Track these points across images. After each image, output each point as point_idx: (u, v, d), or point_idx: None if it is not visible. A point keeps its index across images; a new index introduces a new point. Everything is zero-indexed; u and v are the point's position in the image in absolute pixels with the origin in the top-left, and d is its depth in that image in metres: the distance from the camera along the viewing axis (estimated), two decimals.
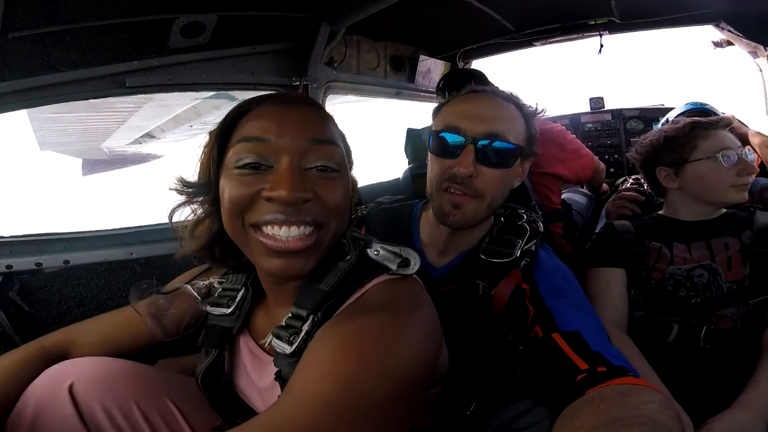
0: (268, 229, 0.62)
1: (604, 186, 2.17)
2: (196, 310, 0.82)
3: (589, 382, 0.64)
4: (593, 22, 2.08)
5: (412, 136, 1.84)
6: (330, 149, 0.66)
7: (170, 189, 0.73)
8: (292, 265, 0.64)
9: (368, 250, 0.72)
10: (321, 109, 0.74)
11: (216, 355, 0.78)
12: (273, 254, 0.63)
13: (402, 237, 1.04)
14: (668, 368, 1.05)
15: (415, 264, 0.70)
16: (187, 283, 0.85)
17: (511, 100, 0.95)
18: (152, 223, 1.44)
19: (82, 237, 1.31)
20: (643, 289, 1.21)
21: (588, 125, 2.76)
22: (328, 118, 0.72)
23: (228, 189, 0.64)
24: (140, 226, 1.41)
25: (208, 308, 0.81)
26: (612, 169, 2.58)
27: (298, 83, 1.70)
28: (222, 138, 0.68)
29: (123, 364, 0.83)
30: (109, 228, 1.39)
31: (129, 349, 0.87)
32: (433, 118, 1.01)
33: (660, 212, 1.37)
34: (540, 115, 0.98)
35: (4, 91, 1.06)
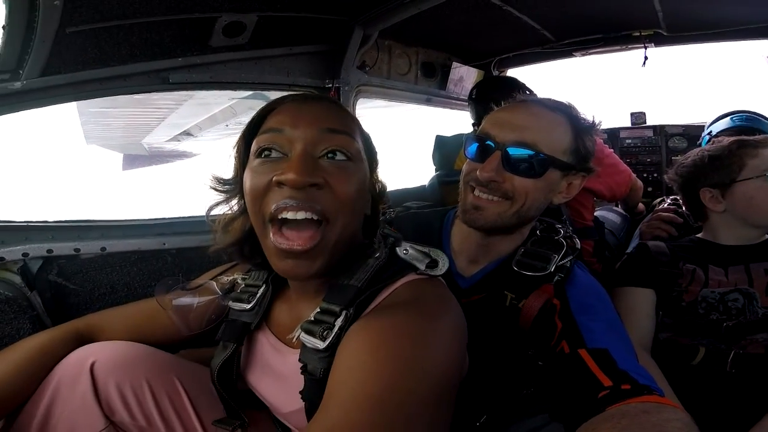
0: (280, 222, 0.64)
1: (641, 206, 2.09)
2: (218, 305, 0.85)
3: (612, 398, 0.62)
4: (638, 34, 2.00)
5: (441, 143, 1.83)
6: (344, 138, 0.68)
7: (210, 188, 0.77)
8: (299, 267, 0.66)
9: (397, 248, 0.74)
10: (338, 105, 0.77)
11: (233, 349, 0.81)
12: (284, 255, 0.65)
13: (433, 243, 1.04)
14: (691, 391, 1.03)
15: (443, 265, 0.71)
16: (212, 279, 0.88)
17: (562, 110, 0.93)
18: (184, 215, 1.48)
19: (118, 225, 1.35)
20: (672, 311, 1.19)
21: (627, 141, 2.67)
22: (344, 113, 0.74)
23: (248, 180, 0.67)
24: (173, 218, 1.45)
25: (230, 303, 0.83)
26: (650, 189, 2.48)
27: (330, 85, 1.74)
28: (248, 136, 0.72)
29: (142, 349, 0.88)
30: (144, 218, 1.43)
31: (151, 340, 0.91)
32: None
33: (698, 235, 1.33)
34: (597, 128, 0.96)
35: (59, 83, 1.12)
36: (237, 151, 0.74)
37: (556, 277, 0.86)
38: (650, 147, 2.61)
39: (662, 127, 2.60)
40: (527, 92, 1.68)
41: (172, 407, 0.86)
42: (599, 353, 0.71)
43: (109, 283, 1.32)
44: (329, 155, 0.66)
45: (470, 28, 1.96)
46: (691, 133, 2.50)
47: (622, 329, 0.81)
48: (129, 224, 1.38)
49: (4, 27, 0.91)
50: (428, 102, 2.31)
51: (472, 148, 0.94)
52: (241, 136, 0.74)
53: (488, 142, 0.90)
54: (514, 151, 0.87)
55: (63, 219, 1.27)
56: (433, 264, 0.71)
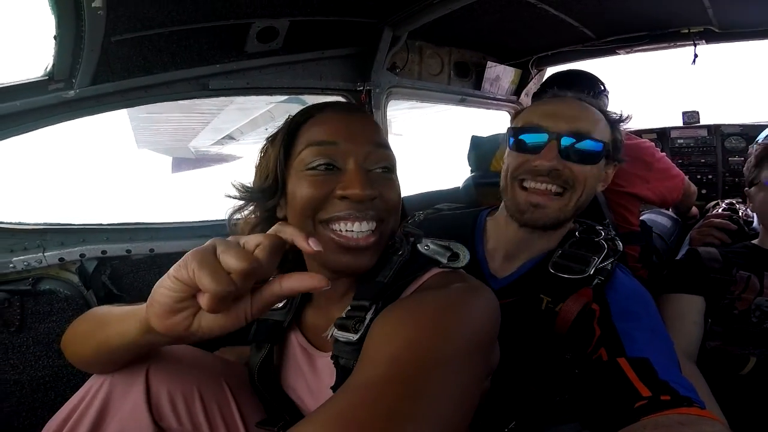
0: (339, 226, 0.67)
1: (694, 209, 1.95)
2: None
3: (649, 409, 0.59)
4: (686, 31, 1.88)
5: (476, 144, 1.78)
6: (388, 153, 0.72)
7: (227, 196, 0.78)
8: (359, 260, 0.68)
9: (418, 245, 0.74)
10: (372, 118, 0.81)
11: (269, 349, 0.82)
12: (344, 251, 0.67)
13: (464, 244, 1.03)
14: (739, 402, 0.98)
15: (464, 257, 0.72)
16: None
17: (594, 105, 0.95)
18: (226, 217, 1.53)
19: (166, 227, 1.42)
20: (722, 319, 1.13)
21: (679, 141, 2.53)
22: (378, 126, 0.77)
23: (300, 189, 0.68)
24: (214, 220, 1.51)
25: None
26: (704, 191, 2.35)
27: (361, 88, 1.75)
28: (287, 142, 0.73)
29: (191, 352, 0.89)
30: (188, 220, 1.50)
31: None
32: (512, 120, 1.02)
33: (754, 241, 1.26)
34: (626, 122, 0.96)
35: (108, 91, 1.20)
36: (273, 158, 0.74)
37: (596, 281, 0.83)
38: (704, 147, 2.47)
39: (718, 126, 2.45)
40: (602, 88, 1.63)
41: (220, 413, 0.87)
42: (639, 362, 0.68)
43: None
44: (380, 170, 0.70)
45: (505, 26, 1.91)
46: (750, 133, 2.34)
47: (666, 337, 0.77)
48: (175, 226, 1.45)
49: (55, 37, 0.98)
50: (462, 102, 2.27)
51: (525, 139, 0.92)
52: (278, 142, 0.74)
53: (541, 133, 0.89)
54: (571, 140, 0.88)
55: (116, 222, 1.35)
56: (454, 257, 0.72)
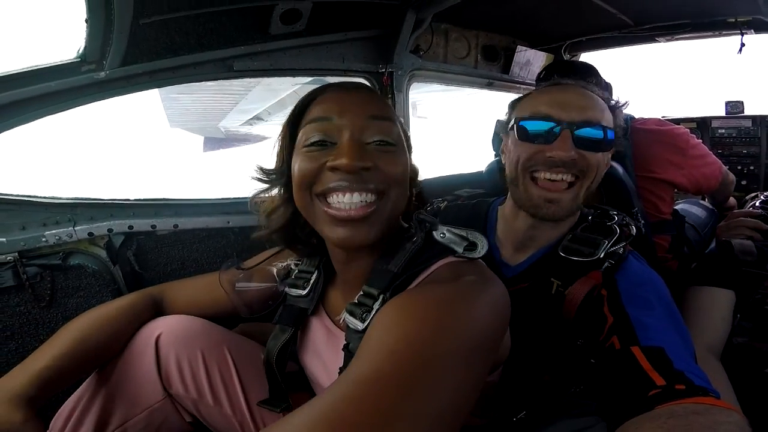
0: (332, 198, 0.67)
1: (732, 200, 1.86)
2: (276, 290, 0.90)
3: (662, 398, 0.58)
4: (733, 20, 1.76)
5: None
6: (387, 125, 0.71)
7: (252, 178, 0.80)
8: (356, 234, 0.67)
9: (434, 232, 0.74)
10: (377, 93, 0.80)
11: (292, 333, 0.85)
12: (337, 223, 0.67)
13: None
14: (762, 399, 0.94)
15: (482, 247, 0.70)
16: (265, 262, 0.92)
17: (596, 93, 0.94)
18: (248, 195, 1.57)
19: (189, 204, 1.46)
20: (753, 315, 1.08)
21: (720, 131, 2.44)
22: (384, 101, 0.77)
23: (297, 164, 0.70)
24: (237, 198, 1.54)
25: (287, 289, 0.88)
26: (744, 182, 2.28)
27: (384, 70, 1.72)
28: (292, 125, 0.74)
29: (200, 323, 0.95)
30: (211, 197, 1.53)
31: (209, 313, 0.98)
32: (512, 108, 0.99)
33: None
34: (623, 107, 0.95)
35: (137, 72, 1.23)
36: (282, 140, 0.76)
37: (606, 264, 0.83)
38: (747, 138, 2.39)
39: (764, 117, 2.35)
40: (601, 81, 1.56)
41: (221, 380, 0.93)
42: (654, 351, 0.67)
43: (180, 259, 1.43)
44: (376, 143, 0.69)
45: (536, 11, 1.84)
46: None
47: (681, 326, 0.75)
48: (198, 203, 1.48)
49: (86, 21, 1.01)
50: (489, 86, 2.21)
51: (536, 129, 0.90)
52: (285, 125, 0.76)
53: (552, 122, 0.88)
54: (585, 129, 0.87)
55: (142, 198, 1.39)
56: (471, 247, 0.71)
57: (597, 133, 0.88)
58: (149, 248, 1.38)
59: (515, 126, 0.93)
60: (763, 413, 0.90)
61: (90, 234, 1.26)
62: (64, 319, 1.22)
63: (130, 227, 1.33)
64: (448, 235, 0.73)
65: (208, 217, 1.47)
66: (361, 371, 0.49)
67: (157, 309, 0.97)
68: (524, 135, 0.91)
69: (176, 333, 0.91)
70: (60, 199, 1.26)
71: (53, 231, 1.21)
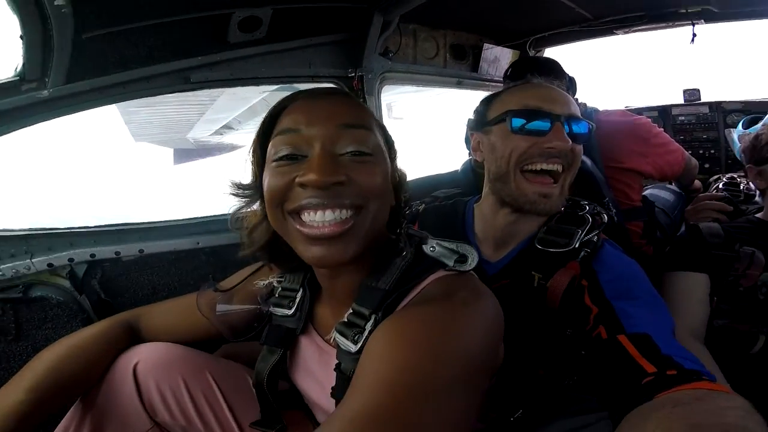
0: (305, 216, 0.63)
1: (697, 183, 1.95)
2: (260, 311, 0.86)
3: (658, 385, 0.59)
4: (684, 11, 1.84)
5: None
6: (361, 133, 0.66)
7: (228, 194, 0.75)
8: (331, 252, 0.63)
9: (424, 246, 0.71)
10: (351, 97, 0.76)
11: (281, 354, 0.81)
12: (311, 241, 0.63)
13: (456, 234, 1.03)
14: (748, 381, 0.94)
15: (472, 260, 0.68)
16: (246, 281, 0.88)
17: (564, 91, 0.98)
18: (217, 213, 1.48)
19: (155, 227, 1.38)
20: (729, 297, 1.10)
21: (680, 118, 2.57)
22: (359, 106, 0.72)
23: (267, 181, 0.66)
24: (206, 217, 1.46)
25: (272, 309, 0.83)
26: (707, 165, 2.41)
27: (353, 74, 1.68)
28: (263, 137, 0.70)
29: (178, 349, 0.91)
30: (178, 218, 1.45)
31: (187, 339, 0.93)
32: (488, 105, 0.99)
33: (758, 215, 1.24)
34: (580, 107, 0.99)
35: (83, 89, 1.15)
36: (253, 155, 0.72)
37: (582, 253, 0.84)
38: (706, 123, 2.51)
39: (719, 103, 2.48)
40: (567, 79, 1.60)
41: (209, 406, 0.88)
42: (640, 338, 0.67)
43: (150, 284, 1.36)
44: (350, 153, 0.64)
45: (501, 8, 1.86)
46: (752, 109, 2.34)
47: (664, 310, 0.76)
48: (164, 225, 1.41)
49: (21, 37, 0.93)
50: (459, 85, 2.21)
51: (531, 122, 0.91)
52: (255, 139, 0.71)
53: (546, 115, 0.90)
54: (573, 122, 0.91)
55: (103, 223, 1.31)
56: (462, 259, 0.68)
57: (582, 127, 0.93)
58: (115, 275, 1.31)
59: (508, 120, 0.92)
60: (750, 394, 0.91)
61: (50, 265, 1.19)
62: (34, 351, 1.16)
63: (93, 255, 1.25)
64: (438, 248, 0.70)
65: (176, 239, 1.39)
66: (359, 406, 0.47)
67: (133, 335, 0.92)
68: (520, 128, 0.91)
69: (153, 361, 0.87)
70: (12, 231, 1.17)
71: (8, 264, 1.13)
